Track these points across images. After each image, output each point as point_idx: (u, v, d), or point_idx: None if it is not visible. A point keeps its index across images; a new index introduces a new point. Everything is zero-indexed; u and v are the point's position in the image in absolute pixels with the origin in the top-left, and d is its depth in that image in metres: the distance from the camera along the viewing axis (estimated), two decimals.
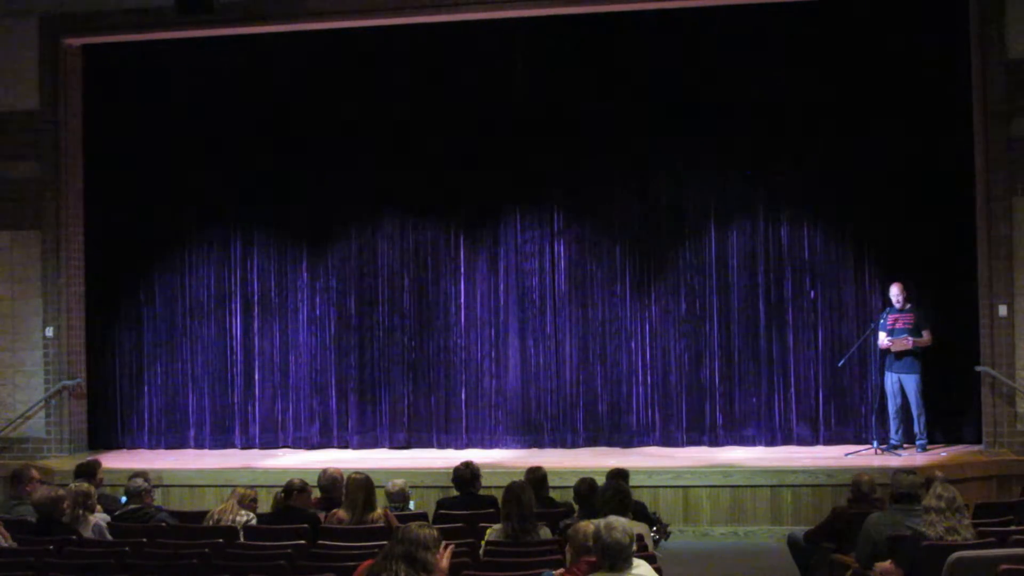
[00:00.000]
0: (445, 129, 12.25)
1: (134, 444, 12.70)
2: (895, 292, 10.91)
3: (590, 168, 12.16)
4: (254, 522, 7.73)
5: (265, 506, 8.51)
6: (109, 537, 7.50)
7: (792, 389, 11.78)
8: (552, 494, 8.61)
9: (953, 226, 11.36)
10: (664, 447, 11.81)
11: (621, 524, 5.23)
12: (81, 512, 7.54)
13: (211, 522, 7.74)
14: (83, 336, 12.52)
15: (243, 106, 12.54)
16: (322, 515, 7.94)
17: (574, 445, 12.02)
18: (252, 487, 8.49)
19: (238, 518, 7.69)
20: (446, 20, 11.88)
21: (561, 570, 5.73)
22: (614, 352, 12.10)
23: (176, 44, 12.36)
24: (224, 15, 11.50)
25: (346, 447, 12.38)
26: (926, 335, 10.84)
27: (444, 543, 4.44)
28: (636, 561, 5.21)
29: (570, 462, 10.87)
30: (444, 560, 4.38)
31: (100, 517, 7.79)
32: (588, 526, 5.63)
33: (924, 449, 10.87)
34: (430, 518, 7.95)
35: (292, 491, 8.02)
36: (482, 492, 8.49)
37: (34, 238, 12.25)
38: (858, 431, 11.53)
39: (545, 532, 6.89)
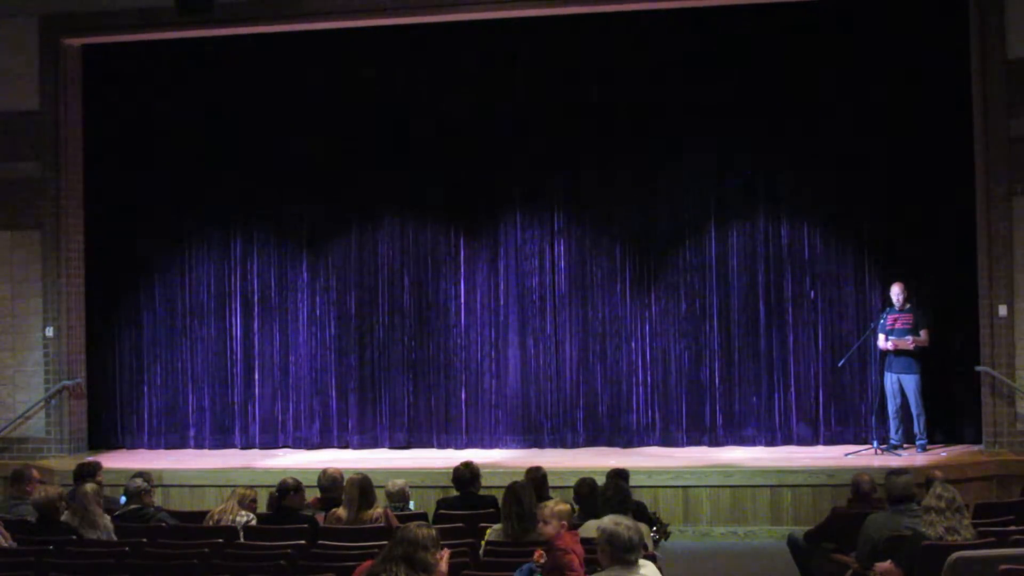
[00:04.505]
0: (445, 129, 12.26)
1: (134, 444, 12.70)
2: (895, 292, 10.91)
3: (590, 168, 12.16)
4: (254, 522, 7.73)
5: (264, 506, 8.50)
6: (114, 537, 7.50)
7: (792, 389, 11.77)
8: (552, 494, 8.60)
9: (953, 226, 11.36)
10: (664, 447, 11.81)
11: (627, 521, 5.29)
12: (96, 511, 7.53)
13: (211, 522, 7.75)
14: (83, 336, 12.51)
15: (243, 106, 12.55)
16: (321, 516, 7.95)
17: (574, 445, 12.02)
18: (252, 487, 8.48)
19: (238, 518, 7.70)
20: (446, 20, 11.88)
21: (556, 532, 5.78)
22: (614, 352, 12.09)
23: (176, 44, 12.36)
24: (224, 15, 11.47)
25: (346, 447, 12.37)
26: (924, 334, 10.83)
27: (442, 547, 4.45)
28: (641, 561, 5.24)
29: (570, 462, 10.87)
30: (443, 563, 4.39)
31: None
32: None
33: (924, 449, 10.87)
34: (430, 518, 7.95)
35: (287, 491, 8.02)
36: (482, 492, 8.50)
37: (34, 238, 12.24)
38: (858, 431, 11.53)
39: None
